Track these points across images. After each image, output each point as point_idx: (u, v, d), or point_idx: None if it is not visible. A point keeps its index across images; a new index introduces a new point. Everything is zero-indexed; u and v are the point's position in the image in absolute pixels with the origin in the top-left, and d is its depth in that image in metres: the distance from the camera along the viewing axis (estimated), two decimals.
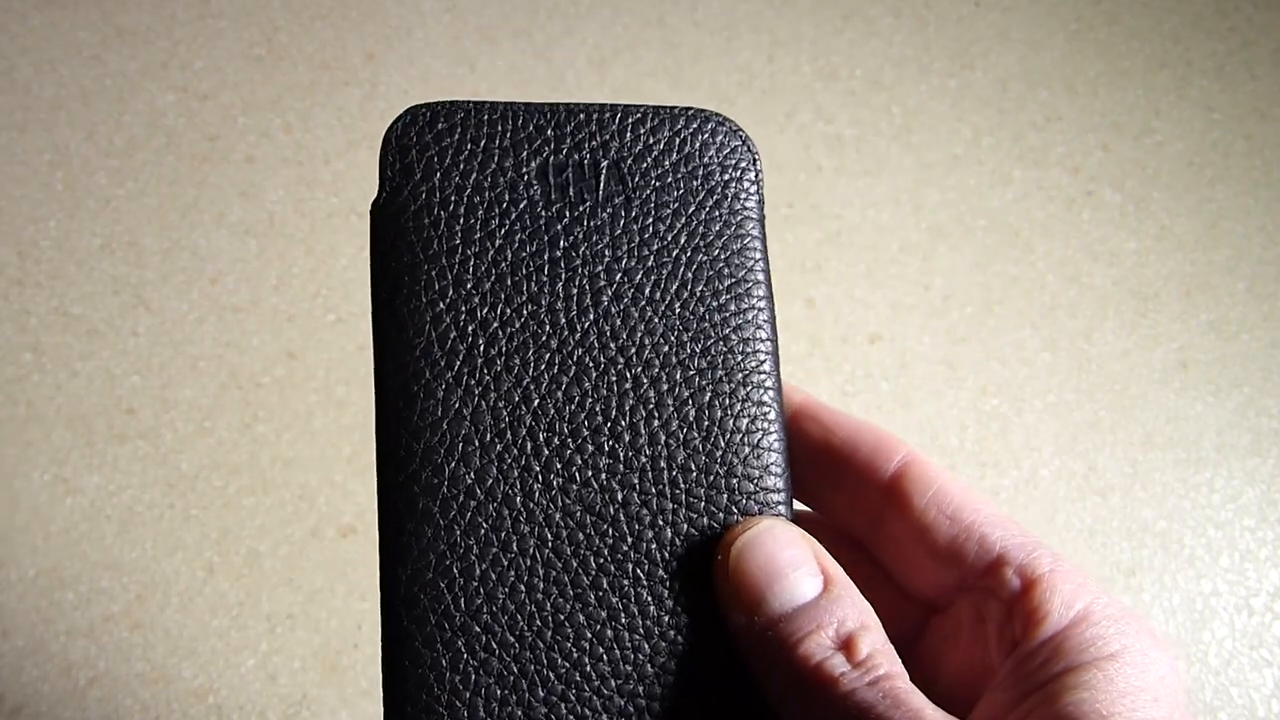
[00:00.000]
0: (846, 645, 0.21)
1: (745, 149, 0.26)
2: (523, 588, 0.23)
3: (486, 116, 0.25)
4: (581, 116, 0.25)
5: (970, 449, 0.62)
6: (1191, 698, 0.56)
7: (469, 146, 0.25)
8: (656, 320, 0.24)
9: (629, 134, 0.25)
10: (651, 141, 0.25)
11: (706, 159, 0.26)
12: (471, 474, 0.23)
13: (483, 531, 0.23)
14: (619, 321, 0.24)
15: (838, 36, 0.76)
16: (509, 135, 0.25)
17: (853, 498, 0.25)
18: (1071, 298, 0.67)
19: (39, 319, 0.62)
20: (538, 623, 0.23)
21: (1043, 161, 0.72)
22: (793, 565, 0.22)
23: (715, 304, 0.25)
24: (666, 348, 0.24)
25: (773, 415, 0.24)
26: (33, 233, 0.65)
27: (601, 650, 0.23)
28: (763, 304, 0.25)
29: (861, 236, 0.68)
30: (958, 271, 0.67)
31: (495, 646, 0.23)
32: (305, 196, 0.67)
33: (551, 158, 0.25)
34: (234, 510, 0.58)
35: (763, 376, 0.25)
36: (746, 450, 0.24)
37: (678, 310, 0.25)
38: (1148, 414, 0.64)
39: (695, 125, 0.26)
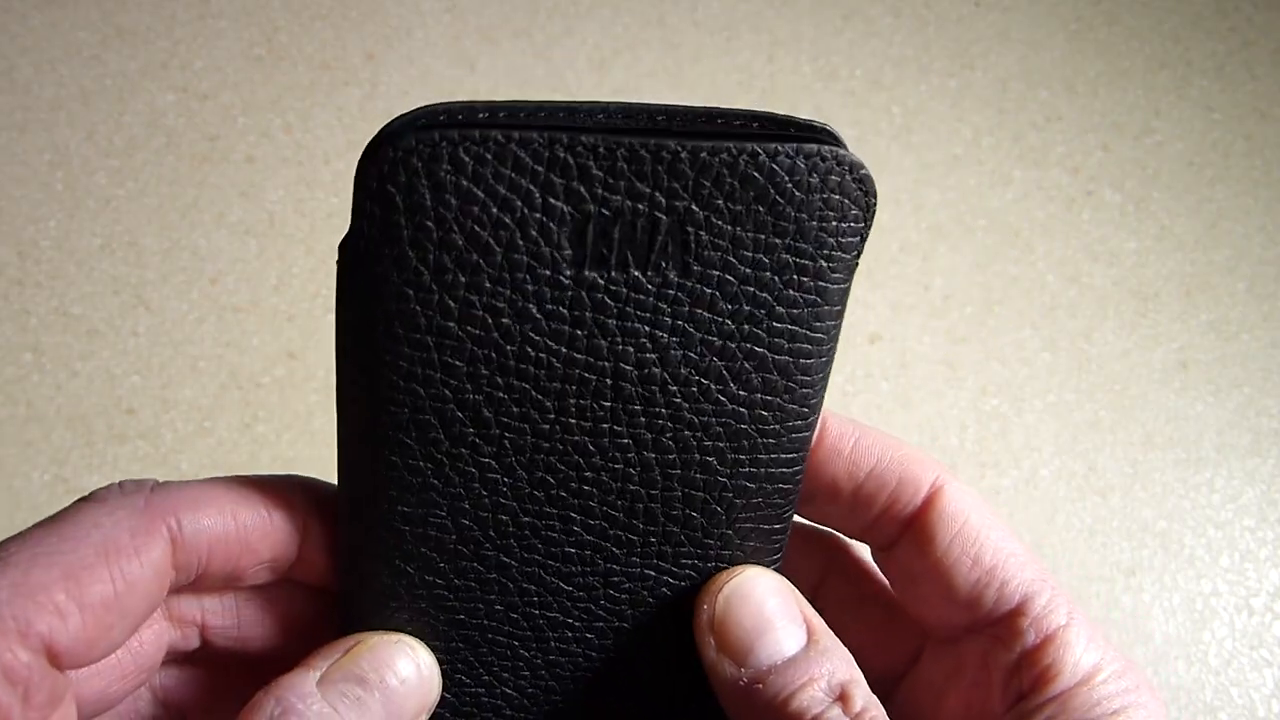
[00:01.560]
0: (841, 698, 0.21)
1: (861, 193, 0.19)
2: (490, 656, 0.22)
3: (513, 154, 0.17)
4: (647, 160, 0.18)
5: (970, 449, 0.62)
6: (1191, 698, 0.56)
7: (482, 196, 0.18)
8: (686, 408, 0.20)
9: (708, 185, 0.18)
10: (737, 193, 0.18)
11: (806, 211, 0.19)
12: (443, 560, 0.21)
13: (449, 604, 0.21)
14: (639, 409, 0.20)
15: (838, 36, 0.76)
16: (539, 180, 0.18)
17: (869, 525, 0.24)
18: (1071, 298, 0.67)
19: (39, 319, 0.62)
20: (499, 691, 0.22)
21: (1043, 161, 0.72)
22: (778, 616, 0.22)
23: (762, 386, 0.20)
24: (690, 435, 0.20)
25: (791, 497, 0.22)
26: (33, 233, 0.65)
27: (568, 712, 0.22)
28: (820, 382, 0.21)
29: None
30: (958, 271, 0.67)
31: (451, 716, 0.22)
32: (305, 196, 0.67)
33: (595, 214, 0.18)
34: None
35: (794, 459, 0.21)
36: (749, 529, 0.22)
37: (714, 395, 0.20)
38: (1148, 414, 0.64)
39: (804, 167, 0.18)
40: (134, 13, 0.73)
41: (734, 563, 0.22)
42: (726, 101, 0.73)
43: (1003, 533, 0.23)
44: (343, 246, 0.18)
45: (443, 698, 0.22)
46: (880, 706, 0.21)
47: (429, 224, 0.18)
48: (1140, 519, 0.61)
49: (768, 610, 0.21)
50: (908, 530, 0.23)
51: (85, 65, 0.71)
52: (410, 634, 0.22)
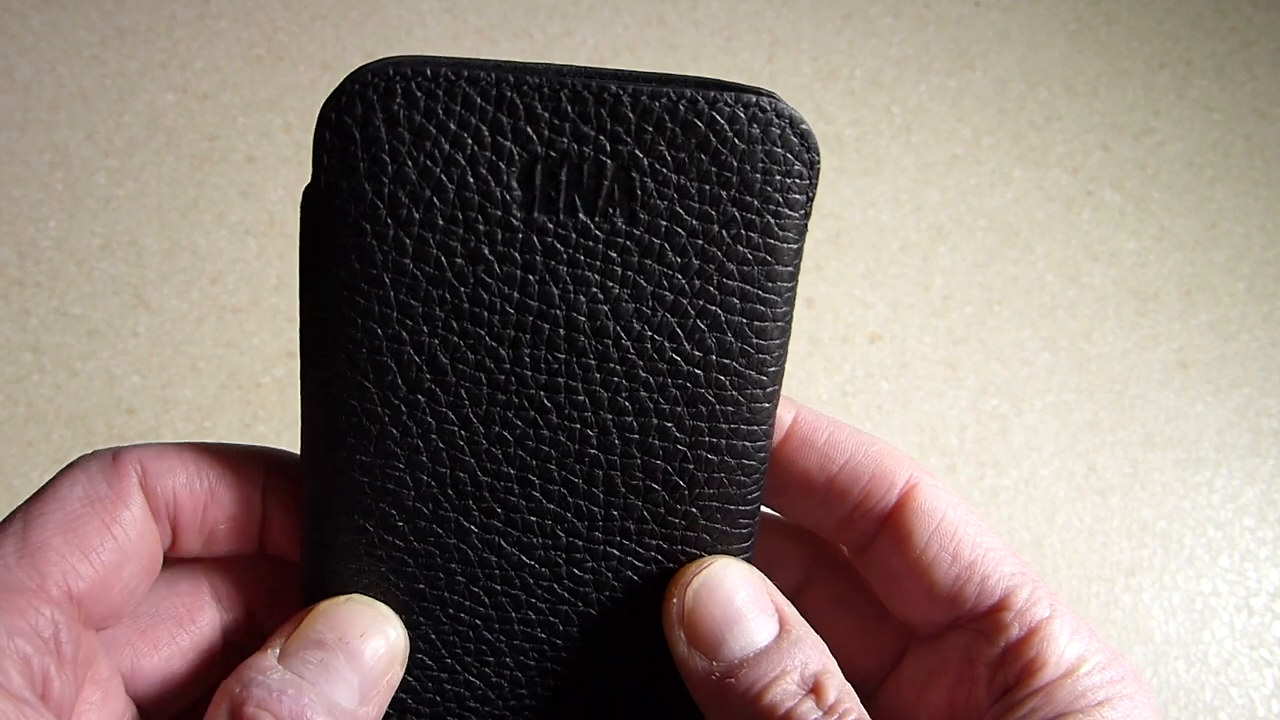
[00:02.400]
0: (814, 690, 0.20)
1: (803, 148, 0.19)
2: (453, 636, 0.21)
3: (462, 90, 0.18)
4: (590, 101, 0.18)
5: (970, 449, 0.62)
6: (1191, 698, 0.56)
7: (434, 131, 0.19)
8: (640, 365, 0.20)
9: (650, 130, 0.19)
10: (680, 140, 0.19)
11: (749, 163, 0.19)
12: (402, 519, 0.21)
13: (409, 570, 0.21)
14: (594, 364, 0.20)
15: (838, 36, 0.76)
16: (488, 118, 0.19)
17: (844, 522, 0.24)
18: (1071, 298, 0.67)
19: (39, 319, 0.62)
20: (462, 678, 0.22)
21: (1043, 161, 0.72)
22: (749, 607, 0.21)
23: (717, 348, 0.20)
24: (647, 396, 0.20)
25: (755, 476, 0.22)
26: (33, 233, 0.65)
27: (532, 702, 0.22)
28: (777, 350, 0.21)
29: (861, 236, 0.68)
30: (958, 271, 0.67)
31: (413, 703, 0.22)
32: None
33: (542, 156, 0.19)
34: None
35: (755, 433, 0.21)
36: (714, 507, 0.21)
37: (668, 354, 0.20)
38: (1148, 414, 0.64)
39: (744, 116, 0.19)
40: (134, 13, 0.73)
41: (700, 545, 0.22)
42: None
43: (980, 528, 0.23)
44: (306, 192, 0.19)
45: (405, 682, 0.22)
46: (854, 696, 0.21)
47: (384, 156, 0.19)
48: (1140, 519, 0.61)
49: (738, 601, 0.21)
50: (884, 528, 0.23)
51: (85, 65, 0.71)
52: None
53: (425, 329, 0.19)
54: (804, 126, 0.19)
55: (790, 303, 0.21)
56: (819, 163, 0.19)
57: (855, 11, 0.77)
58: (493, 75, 0.18)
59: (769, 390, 0.21)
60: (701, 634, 0.21)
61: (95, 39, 0.72)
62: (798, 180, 0.19)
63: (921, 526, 0.22)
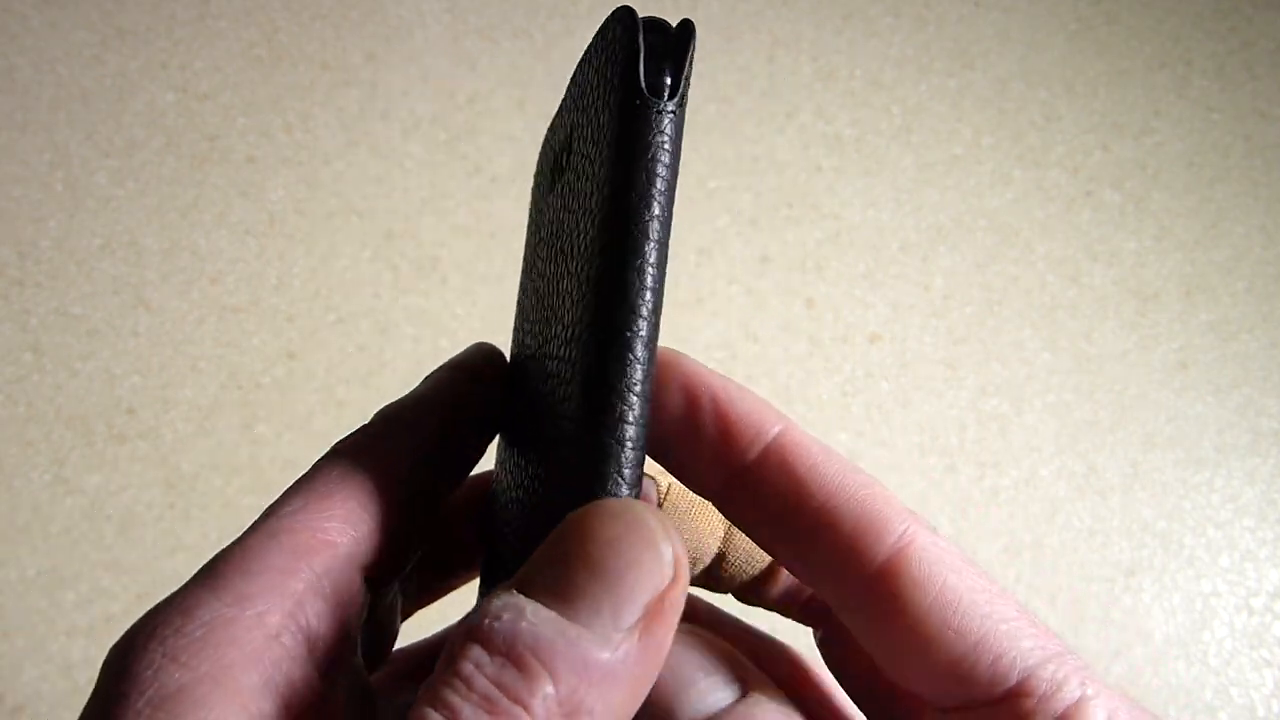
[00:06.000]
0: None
1: (613, 20, 0.19)
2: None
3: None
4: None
5: (970, 449, 0.62)
6: (1191, 698, 0.56)
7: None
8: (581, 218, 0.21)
9: (593, 54, 0.21)
10: (594, 60, 0.21)
11: (600, 52, 0.20)
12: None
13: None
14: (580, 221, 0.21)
15: (838, 36, 0.76)
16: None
17: (822, 575, 0.20)
18: (1071, 298, 0.67)
19: (39, 319, 0.62)
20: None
21: (1043, 161, 0.72)
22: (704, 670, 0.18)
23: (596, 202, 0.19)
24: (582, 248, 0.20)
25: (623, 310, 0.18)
26: (33, 233, 0.65)
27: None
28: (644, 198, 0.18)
29: (861, 236, 0.68)
30: (958, 271, 0.67)
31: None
32: (305, 196, 0.67)
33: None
34: (234, 510, 0.58)
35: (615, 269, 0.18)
36: (603, 328, 0.18)
37: (596, 192, 0.20)
38: (1148, 414, 0.64)
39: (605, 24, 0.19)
40: (134, 13, 0.73)
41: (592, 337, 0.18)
42: (726, 101, 0.73)
43: (989, 594, 0.19)
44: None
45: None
46: None
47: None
48: (1140, 519, 0.61)
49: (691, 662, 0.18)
50: (873, 594, 0.20)
51: (85, 65, 0.71)
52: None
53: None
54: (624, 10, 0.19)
55: (658, 239, 0.18)
56: (625, 23, 0.18)
57: (855, 11, 0.77)
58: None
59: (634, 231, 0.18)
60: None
61: (95, 39, 0.72)
62: (612, 50, 0.19)
63: (918, 596, 0.19)
